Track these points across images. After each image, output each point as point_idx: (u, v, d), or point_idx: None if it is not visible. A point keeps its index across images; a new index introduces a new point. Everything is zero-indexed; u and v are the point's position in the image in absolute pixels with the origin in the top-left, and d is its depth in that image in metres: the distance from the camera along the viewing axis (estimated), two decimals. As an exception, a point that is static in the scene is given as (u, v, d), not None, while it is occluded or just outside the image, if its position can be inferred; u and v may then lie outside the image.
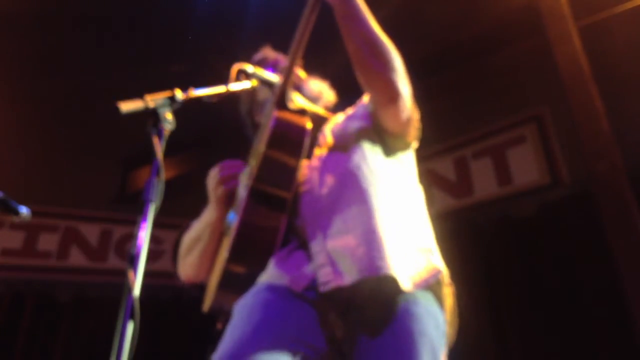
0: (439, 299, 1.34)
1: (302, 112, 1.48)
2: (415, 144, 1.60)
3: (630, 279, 3.05)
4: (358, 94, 1.61)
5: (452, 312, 1.39)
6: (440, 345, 1.28)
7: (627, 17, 3.63)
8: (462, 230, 4.18)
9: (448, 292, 1.37)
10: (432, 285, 1.33)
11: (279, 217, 1.37)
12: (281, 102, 1.47)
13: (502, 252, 4.08)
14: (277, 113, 1.43)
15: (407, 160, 1.58)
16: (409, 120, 1.49)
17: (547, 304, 3.76)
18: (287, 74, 1.48)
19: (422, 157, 1.62)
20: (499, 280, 3.99)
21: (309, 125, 1.45)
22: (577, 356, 3.51)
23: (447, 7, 3.89)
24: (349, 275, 1.23)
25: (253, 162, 1.56)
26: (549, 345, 3.64)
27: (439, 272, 1.35)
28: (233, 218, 1.56)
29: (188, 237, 1.72)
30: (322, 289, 1.25)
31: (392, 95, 1.41)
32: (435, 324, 1.29)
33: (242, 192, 1.56)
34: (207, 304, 1.50)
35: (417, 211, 1.47)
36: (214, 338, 1.28)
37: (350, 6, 1.39)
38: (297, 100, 1.52)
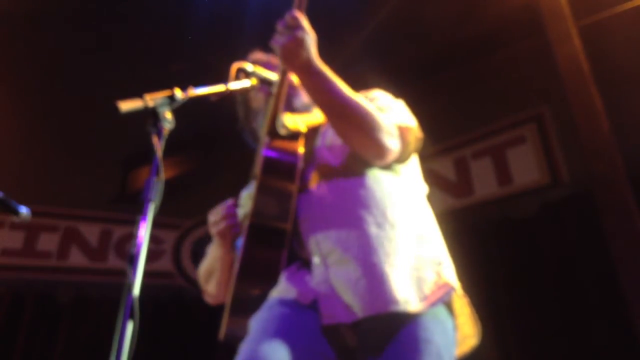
0: (450, 308, 1.33)
1: (294, 136, 1.49)
2: (415, 154, 1.55)
3: (630, 279, 3.05)
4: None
5: (472, 318, 1.37)
6: (448, 352, 1.27)
7: (627, 17, 3.63)
8: (462, 230, 4.18)
9: (462, 302, 1.35)
10: (445, 302, 1.31)
11: (280, 250, 1.38)
12: (272, 130, 1.48)
13: (502, 252, 4.08)
14: (268, 142, 1.46)
15: (407, 168, 1.53)
16: (403, 151, 1.45)
17: (547, 303, 3.76)
18: (276, 103, 1.47)
19: (422, 157, 1.61)
20: (499, 280, 3.99)
21: (300, 149, 1.47)
22: (577, 356, 3.51)
23: (446, 7, 3.89)
24: (352, 312, 1.24)
25: (252, 187, 1.58)
26: (548, 345, 3.64)
27: (451, 289, 1.32)
28: (240, 245, 1.58)
29: (203, 269, 1.74)
30: (326, 321, 1.26)
31: (377, 154, 1.39)
32: (443, 331, 1.28)
33: (245, 221, 1.57)
34: (222, 332, 1.52)
35: (422, 222, 1.42)
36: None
37: (315, 80, 1.34)
38: (288, 121, 1.51)
